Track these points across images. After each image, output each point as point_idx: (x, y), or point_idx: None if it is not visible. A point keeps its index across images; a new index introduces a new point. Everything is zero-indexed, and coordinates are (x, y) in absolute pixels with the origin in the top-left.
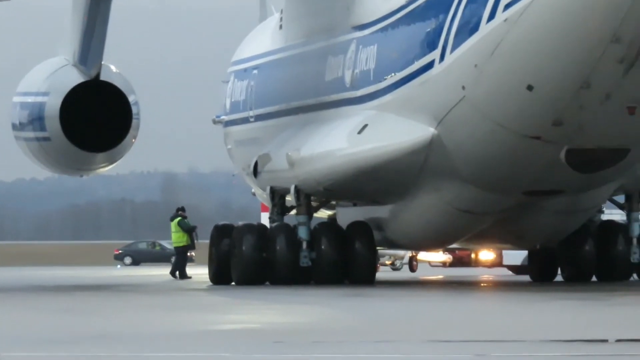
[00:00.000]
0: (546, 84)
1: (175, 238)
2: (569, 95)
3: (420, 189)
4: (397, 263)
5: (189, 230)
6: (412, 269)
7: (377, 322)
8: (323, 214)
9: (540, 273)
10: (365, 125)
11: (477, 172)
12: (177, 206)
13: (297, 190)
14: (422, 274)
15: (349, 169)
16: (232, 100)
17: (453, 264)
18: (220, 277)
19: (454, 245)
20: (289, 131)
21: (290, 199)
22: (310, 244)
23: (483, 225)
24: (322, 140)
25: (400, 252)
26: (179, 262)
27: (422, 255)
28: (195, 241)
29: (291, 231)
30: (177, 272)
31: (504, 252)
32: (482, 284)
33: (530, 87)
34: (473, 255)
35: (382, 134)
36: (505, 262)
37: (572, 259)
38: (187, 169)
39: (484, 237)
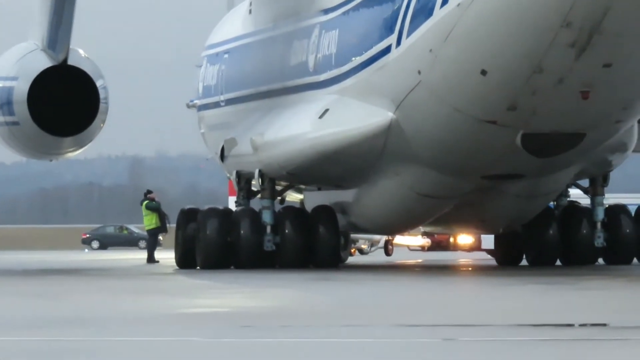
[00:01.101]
0: (499, 68)
1: (146, 221)
2: (521, 79)
3: (380, 173)
4: (366, 248)
5: (156, 209)
6: (387, 252)
7: (345, 306)
8: (294, 197)
9: (505, 257)
10: (327, 110)
11: (436, 156)
12: (145, 190)
13: (261, 175)
14: (398, 258)
15: (310, 154)
16: (205, 84)
17: (432, 248)
18: (186, 261)
19: (432, 229)
20: (255, 115)
21: (255, 183)
22: (275, 228)
23: (444, 209)
24: (285, 124)
25: (376, 237)
26: (149, 245)
27: (400, 239)
28: (167, 224)
29: (256, 215)
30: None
31: (482, 236)
32: (449, 268)
33: (484, 72)
34: (452, 239)
35: (342, 119)
36: (483, 247)
37: (536, 243)
38: (154, 153)
39: (447, 221)
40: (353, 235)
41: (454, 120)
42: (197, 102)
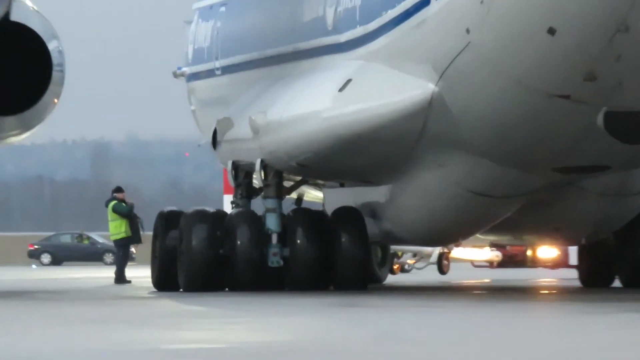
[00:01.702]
0: (572, 26)
1: (112, 228)
2: (602, 40)
3: (420, 164)
4: (413, 264)
5: (128, 214)
6: (442, 269)
7: (377, 343)
8: (315, 197)
9: (591, 276)
10: (349, 81)
11: (492, 142)
12: (113, 186)
13: (264, 166)
14: (457, 277)
15: (327, 138)
16: (196, 46)
17: (503, 263)
18: (166, 280)
19: (494, 239)
20: (257, 88)
21: (256, 177)
22: (283, 237)
23: (506, 213)
24: (293, 99)
25: (427, 249)
26: (118, 260)
27: (461, 253)
28: (142, 232)
29: (257, 220)
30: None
31: (569, 248)
32: (523, 291)
33: (552, 31)
34: (530, 253)
35: (369, 92)
36: (572, 262)
37: (631, 258)
38: (124, 137)
39: (510, 228)
40: (395, 248)
41: (513, 95)
42: (186, 70)
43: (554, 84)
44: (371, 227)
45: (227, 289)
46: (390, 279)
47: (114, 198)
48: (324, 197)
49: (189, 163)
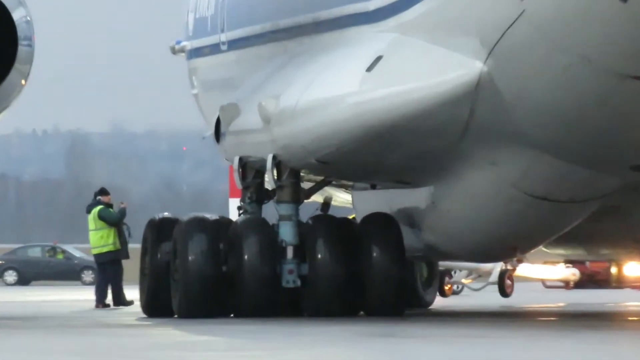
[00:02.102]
0: None
1: (95, 240)
2: None
3: (467, 162)
4: (457, 286)
5: (118, 222)
6: (505, 291)
7: None
8: (344, 201)
9: None
10: (379, 58)
11: (554, 133)
12: (95, 188)
13: (277, 163)
14: (523, 300)
15: (352, 130)
16: (197, 15)
17: (581, 283)
18: (158, 304)
19: (561, 253)
20: (269, 67)
21: (268, 176)
22: (300, 250)
23: (574, 222)
24: (312, 81)
25: (485, 266)
26: (102, 279)
27: (528, 270)
28: (128, 244)
29: (269, 230)
30: (96, 296)
31: None
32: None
33: None
34: (614, 270)
35: (403, 73)
36: None
37: None
38: (107, 128)
39: (582, 241)
40: (444, 264)
41: (579, 76)
42: (186, 44)
43: (629, 63)
44: (409, 238)
45: (232, 315)
46: (439, 303)
47: (98, 202)
48: (352, 201)
49: (187, 159)
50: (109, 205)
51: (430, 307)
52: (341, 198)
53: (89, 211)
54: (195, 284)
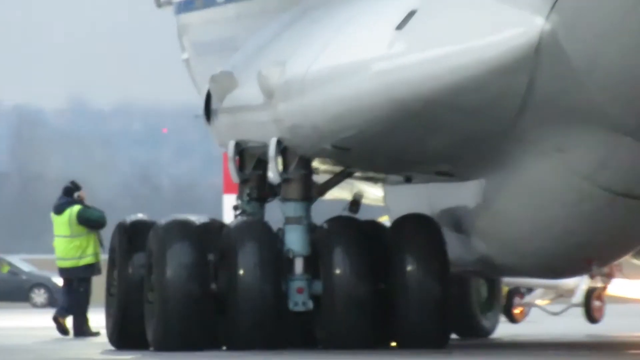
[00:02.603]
0: None
1: (68, 250)
2: None
3: (527, 148)
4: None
5: (103, 224)
6: (591, 315)
7: None
8: (377, 198)
9: None
10: (412, 13)
11: (638, 111)
12: (49, 181)
13: (283, 150)
14: (614, 325)
15: (378, 107)
16: None
17: None
18: (128, 332)
19: None
20: (276, 24)
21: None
22: (313, 263)
23: None
24: (327, 44)
25: (568, 283)
26: (73, 300)
27: (625, 289)
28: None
29: (272, 236)
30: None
31: None
32: None
33: None
34: None
35: (442, 32)
36: None
37: None
38: (64, 103)
39: None
40: (512, 280)
41: None
42: None
43: None
44: (455, 247)
45: (224, 347)
46: (506, 330)
47: (74, 201)
48: (384, 198)
49: (168, 144)
50: (83, 204)
51: (491, 336)
52: (375, 195)
53: (59, 211)
54: (176, 306)
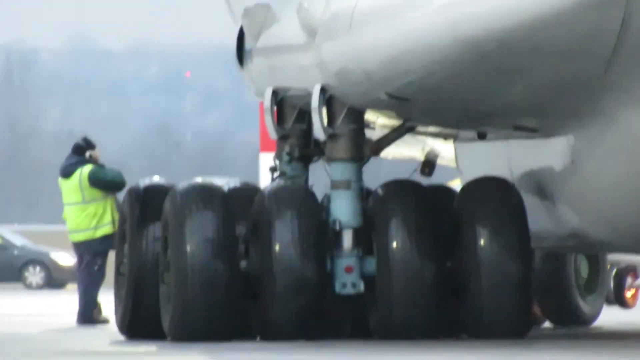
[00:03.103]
0: None
1: (81, 220)
2: None
3: (620, 97)
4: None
5: (122, 185)
6: None
7: None
8: (449, 158)
9: None
10: None
11: None
12: (46, 135)
13: (328, 99)
14: None
15: (442, 47)
16: None
17: None
18: (141, 320)
19: None
20: None
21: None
22: (365, 236)
23: None
24: None
25: None
26: (91, 280)
27: None
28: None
29: (315, 204)
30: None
31: None
32: None
33: None
34: None
35: None
36: None
37: None
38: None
39: None
40: (621, 258)
41: None
42: None
43: None
44: (541, 217)
45: (258, 337)
46: (614, 317)
47: (87, 160)
48: (455, 158)
49: (193, 92)
50: (97, 163)
51: (592, 324)
52: (451, 155)
53: (68, 174)
54: (197, 289)
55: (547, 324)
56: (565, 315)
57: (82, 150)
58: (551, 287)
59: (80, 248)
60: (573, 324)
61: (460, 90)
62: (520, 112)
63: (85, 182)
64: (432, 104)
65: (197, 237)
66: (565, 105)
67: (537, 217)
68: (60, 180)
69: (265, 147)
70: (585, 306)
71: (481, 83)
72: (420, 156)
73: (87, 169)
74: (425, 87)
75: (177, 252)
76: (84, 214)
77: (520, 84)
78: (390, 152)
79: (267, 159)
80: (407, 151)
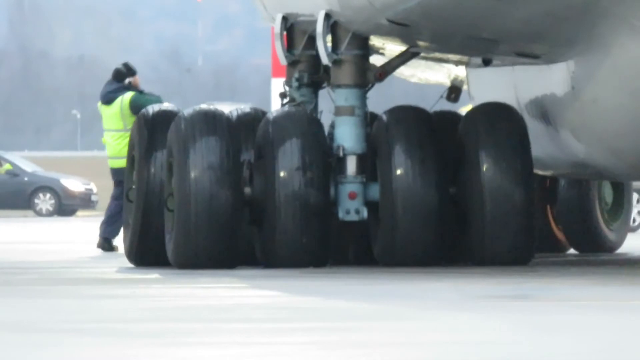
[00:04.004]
0: None
1: (119, 147)
2: None
3: (614, 22)
4: None
5: None
6: None
7: None
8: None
9: None
10: None
11: None
12: (56, 59)
13: (333, 25)
14: None
15: None
16: None
17: None
18: (148, 246)
19: None
20: None
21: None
22: (369, 163)
23: None
24: None
25: None
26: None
27: None
28: None
29: (318, 129)
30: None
31: None
32: None
33: None
34: None
35: None
36: None
37: None
38: None
39: None
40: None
41: None
42: None
43: None
44: (546, 144)
45: (261, 265)
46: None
47: (127, 86)
48: (467, 84)
49: (204, 16)
50: (137, 89)
51: (616, 251)
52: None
53: (109, 101)
54: (200, 215)
55: (572, 251)
56: (589, 242)
57: (122, 77)
58: (575, 214)
59: (119, 174)
60: (597, 251)
61: (458, 15)
62: (520, 38)
63: (127, 110)
64: (432, 30)
65: (200, 163)
66: (563, 31)
67: (543, 143)
68: (101, 106)
69: (276, 73)
70: (609, 233)
71: (479, 8)
72: (446, 82)
73: (128, 96)
74: (424, 13)
75: (180, 178)
76: (125, 142)
77: (518, 9)
78: (418, 76)
79: (278, 85)
80: (434, 77)
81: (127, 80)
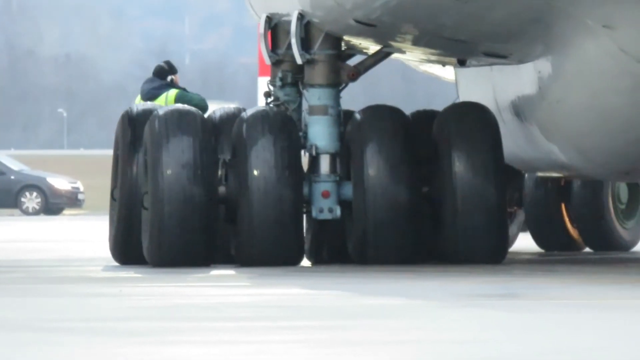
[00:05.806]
0: None
1: None
2: None
3: (572, 23)
4: None
5: (202, 111)
6: None
7: None
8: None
9: None
10: None
11: None
12: (43, 56)
13: (306, 25)
14: None
15: None
16: None
17: None
18: (132, 244)
19: None
20: None
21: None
22: (342, 162)
23: None
24: None
25: None
26: None
27: None
28: None
29: (292, 129)
30: None
31: None
32: None
33: None
34: None
35: None
36: None
37: None
38: None
39: None
40: None
41: None
42: None
43: None
44: (523, 144)
45: (237, 262)
46: None
47: (170, 84)
48: (455, 82)
49: (192, 14)
50: (177, 85)
51: (631, 250)
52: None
53: (152, 97)
54: (173, 214)
55: (587, 250)
56: (603, 240)
57: (164, 74)
58: (589, 213)
59: None
60: (612, 250)
61: (421, 15)
62: (485, 38)
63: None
64: (399, 30)
65: (173, 162)
66: (526, 32)
67: (521, 144)
68: (141, 102)
69: (263, 72)
70: (624, 232)
71: (439, 8)
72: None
73: (173, 92)
74: (389, 13)
75: (154, 176)
76: None
77: (479, 9)
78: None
79: (265, 83)
80: (441, 73)
81: (169, 78)
